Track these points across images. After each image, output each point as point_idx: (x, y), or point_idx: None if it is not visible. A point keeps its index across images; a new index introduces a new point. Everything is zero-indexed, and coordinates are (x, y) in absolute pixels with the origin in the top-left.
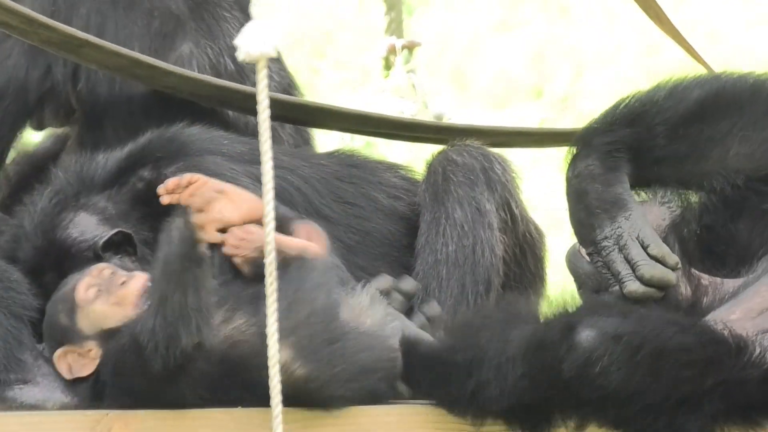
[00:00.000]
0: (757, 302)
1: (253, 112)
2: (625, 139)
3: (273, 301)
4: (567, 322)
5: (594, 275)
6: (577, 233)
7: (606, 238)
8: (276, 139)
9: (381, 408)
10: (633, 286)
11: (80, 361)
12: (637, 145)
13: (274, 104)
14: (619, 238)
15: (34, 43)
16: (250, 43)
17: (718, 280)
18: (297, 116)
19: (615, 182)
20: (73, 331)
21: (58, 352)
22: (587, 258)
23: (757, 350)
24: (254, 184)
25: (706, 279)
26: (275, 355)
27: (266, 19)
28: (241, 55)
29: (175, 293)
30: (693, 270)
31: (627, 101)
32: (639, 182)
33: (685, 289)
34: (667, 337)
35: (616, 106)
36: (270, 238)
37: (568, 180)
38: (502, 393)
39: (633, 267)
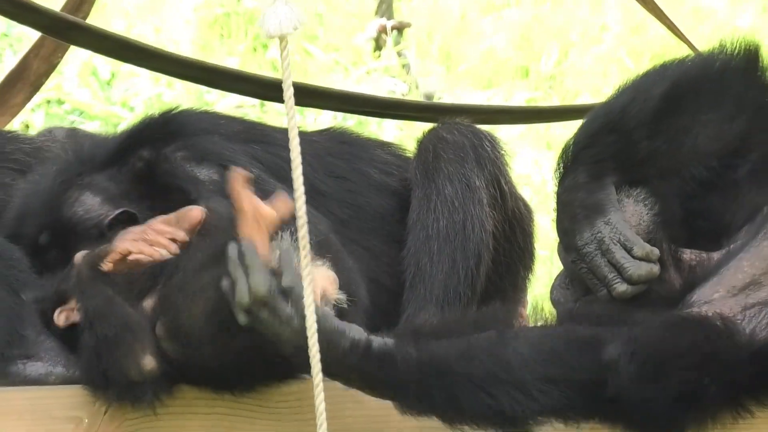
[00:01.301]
0: (740, 278)
1: (239, 91)
2: (607, 148)
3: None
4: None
5: (572, 312)
6: (562, 241)
7: (587, 243)
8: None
9: None
10: (622, 288)
11: None
12: (618, 151)
13: (271, 86)
14: (601, 242)
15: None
16: (272, 23)
17: (705, 255)
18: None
19: (598, 190)
20: None
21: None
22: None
23: (746, 329)
24: (251, 162)
25: (694, 258)
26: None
27: (282, 3)
28: (264, 35)
29: None
30: (681, 252)
31: (599, 111)
32: (626, 184)
33: (677, 278)
34: (676, 344)
35: (591, 119)
36: (302, 212)
37: (557, 195)
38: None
39: (619, 270)
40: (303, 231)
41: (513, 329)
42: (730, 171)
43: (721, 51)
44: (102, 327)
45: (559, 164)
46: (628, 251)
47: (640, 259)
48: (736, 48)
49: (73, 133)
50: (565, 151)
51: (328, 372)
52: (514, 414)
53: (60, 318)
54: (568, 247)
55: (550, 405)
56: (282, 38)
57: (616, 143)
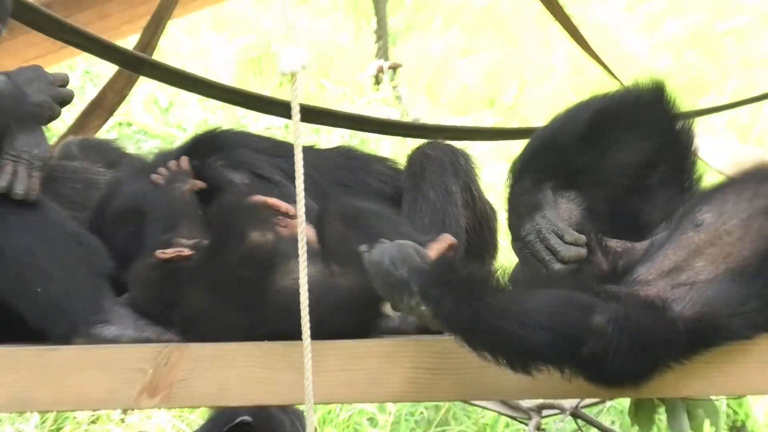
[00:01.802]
0: (666, 264)
1: (269, 112)
2: (545, 161)
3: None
4: (588, 302)
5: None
6: (511, 233)
7: (528, 233)
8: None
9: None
10: (557, 267)
11: None
12: (555, 163)
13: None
14: (539, 232)
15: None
16: (285, 63)
17: (629, 244)
18: (309, 117)
19: (538, 193)
20: None
21: None
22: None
23: (677, 306)
24: (275, 170)
25: (620, 246)
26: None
27: (298, 45)
28: (278, 71)
29: None
30: (607, 243)
31: (540, 133)
32: (562, 188)
33: (604, 261)
34: (650, 325)
35: (533, 139)
36: (301, 212)
37: (508, 199)
38: (519, 345)
39: (554, 253)
40: (301, 228)
41: (532, 289)
42: (645, 179)
43: (636, 87)
44: None
45: (509, 175)
46: (561, 238)
47: (570, 244)
48: (648, 85)
49: (85, 143)
50: (513, 164)
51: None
52: (511, 348)
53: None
54: (515, 237)
55: (538, 347)
56: (293, 75)
57: (553, 157)
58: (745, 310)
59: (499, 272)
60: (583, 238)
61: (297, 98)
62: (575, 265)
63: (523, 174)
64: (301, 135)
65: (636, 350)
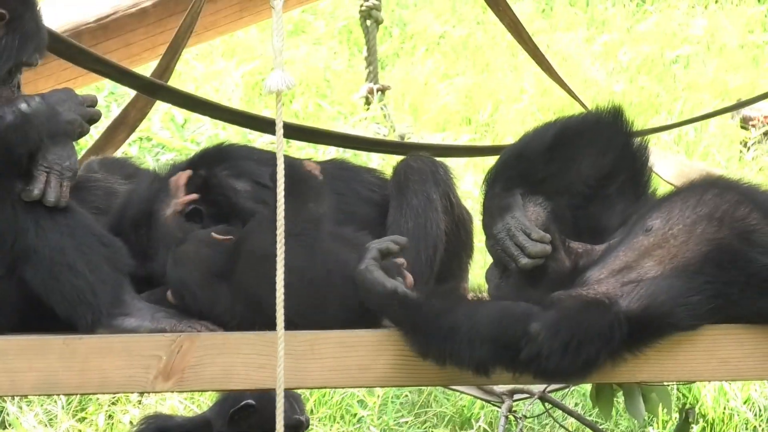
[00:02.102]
0: (617, 264)
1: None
2: (515, 170)
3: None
4: (525, 312)
5: (499, 286)
6: (485, 232)
7: (499, 231)
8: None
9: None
10: (524, 261)
11: None
12: (523, 172)
13: (292, 129)
14: (509, 230)
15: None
16: (272, 83)
17: (589, 246)
18: (305, 137)
19: (508, 197)
20: None
21: None
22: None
23: (624, 303)
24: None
25: (581, 247)
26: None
27: (282, 70)
28: (265, 90)
29: None
30: (570, 244)
31: (511, 147)
32: (530, 194)
33: (567, 259)
34: (586, 324)
35: (505, 152)
36: (281, 216)
37: (483, 203)
38: (468, 358)
39: (522, 248)
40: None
41: (479, 301)
42: (604, 188)
43: (597, 109)
44: None
45: (483, 182)
46: (528, 236)
47: (537, 240)
48: (607, 107)
49: (105, 161)
50: (488, 173)
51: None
52: (465, 361)
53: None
54: (488, 235)
55: (486, 357)
56: (278, 94)
57: (522, 167)
58: (688, 303)
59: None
60: (548, 236)
61: (281, 114)
62: (541, 260)
63: (496, 181)
64: (283, 145)
65: (570, 350)
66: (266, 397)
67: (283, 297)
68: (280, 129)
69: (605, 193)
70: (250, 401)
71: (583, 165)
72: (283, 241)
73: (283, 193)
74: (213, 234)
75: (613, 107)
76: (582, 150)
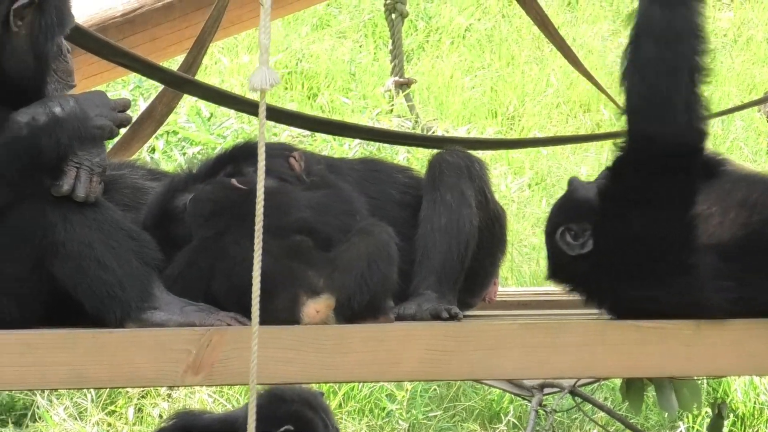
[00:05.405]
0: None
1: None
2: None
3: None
4: None
5: None
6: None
7: None
8: None
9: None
10: None
11: None
12: None
13: (318, 121)
14: None
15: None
16: (256, 81)
17: None
18: (331, 130)
19: None
20: None
21: None
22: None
23: None
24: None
25: None
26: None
27: (267, 67)
28: (250, 88)
29: None
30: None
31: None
32: None
33: None
34: None
35: None
36: (260, 211)
37: None
38: None
39: None
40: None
41: None
42: None
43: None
44: None
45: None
46: None
47: None
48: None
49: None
50: None
51: None
52: None
53: None
54: None
55: None
56: (261, 92)
57: None
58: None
59: None
60: None
61: (264, 113)
62: None
63: None
64: (264, 142)
65: None
66: (305, 418)
67: (258, 292)
68: (263, 127)
69: None
70: (289, 427)
71: None
72: (261, 238)
73: (263, 192)
74: (232, 180)
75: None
76: None
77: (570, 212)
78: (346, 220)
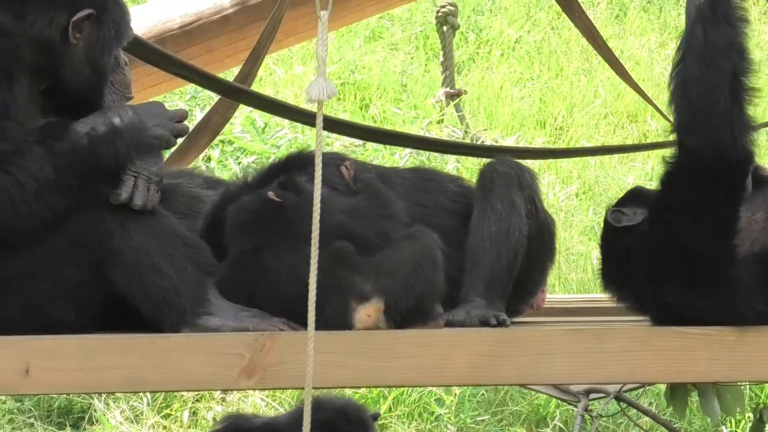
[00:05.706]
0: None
1: (348, 134)
2: None
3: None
4: None
5: None
6: None
7: None
8: None
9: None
10: None
11: None
12: None
13: (370, 130)
14: None
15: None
16: (313, 92)
17: None
18: (382, 139)
19: None
20: None
21: None
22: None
23: None
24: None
25: None
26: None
27: (324, 79)
28: (307, 100)
29: None
30: None
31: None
32: None
33: None
34: None
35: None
36: (316, 220)
37: None
38: None
39: None
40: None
41: None
42: None
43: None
44: None
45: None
46: None
47: None
48: None
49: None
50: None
51: None
52: None
53: None
54: None
55: None
56: (319, 103)
57: None
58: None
59: None
60: None
61: (321, 123)
62: None
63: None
64: (321, 151)
65: None
66: (334, 429)
67: (315, 298)
68: (320, 137)
69: None
70: None
71: None
72: (317, 245)
73: (319, 201)
74: (269, 193)
75: None
76: None
77: (623, 202)
78: (381, 223)
